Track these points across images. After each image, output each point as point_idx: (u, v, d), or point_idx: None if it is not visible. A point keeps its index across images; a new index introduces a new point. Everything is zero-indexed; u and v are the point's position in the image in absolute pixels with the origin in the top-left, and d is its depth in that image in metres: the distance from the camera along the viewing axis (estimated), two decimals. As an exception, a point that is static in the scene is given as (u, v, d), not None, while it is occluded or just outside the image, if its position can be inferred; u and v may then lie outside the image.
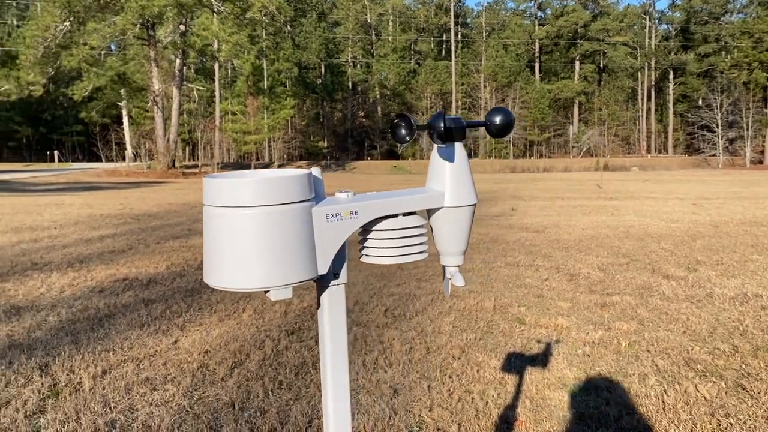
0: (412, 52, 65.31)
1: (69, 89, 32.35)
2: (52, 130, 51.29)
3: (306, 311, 4.29)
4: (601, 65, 63.84)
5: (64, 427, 2.52)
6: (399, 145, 1.04)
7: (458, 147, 0.98)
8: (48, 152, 45.97)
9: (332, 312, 0.95)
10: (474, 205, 1.02)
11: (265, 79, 42.62)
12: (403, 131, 0.94)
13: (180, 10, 30.06)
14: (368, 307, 4.40)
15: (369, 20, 63.35)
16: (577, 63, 63.43)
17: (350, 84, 61.45)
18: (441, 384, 2.97)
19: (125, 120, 42.77)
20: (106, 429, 2.52)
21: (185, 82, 35.79)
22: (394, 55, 60.53)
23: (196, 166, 38.76)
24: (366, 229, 0.97)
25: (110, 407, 2.73)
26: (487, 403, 2.76)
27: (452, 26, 62.55)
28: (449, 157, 0.98)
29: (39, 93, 30.41)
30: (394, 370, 3.16)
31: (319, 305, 0.98)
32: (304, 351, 3.44)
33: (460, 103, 59.64)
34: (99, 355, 3.37)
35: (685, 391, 2.90)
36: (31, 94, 30.30)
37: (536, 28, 64.49)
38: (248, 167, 38.52)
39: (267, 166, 41.00)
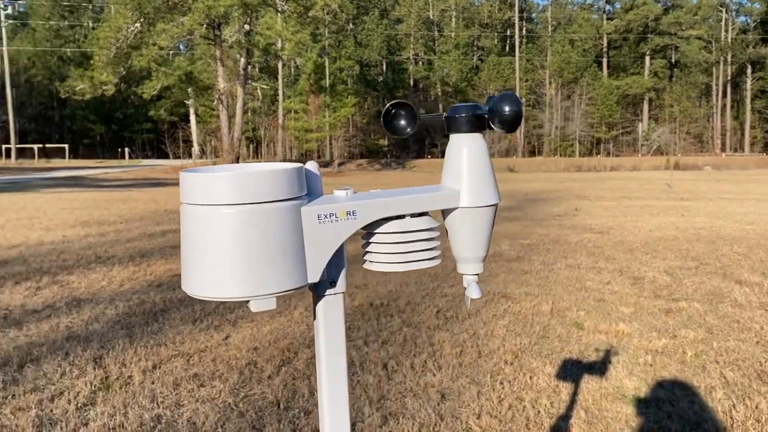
0: (475, 48, 64.59)
1: (139, 88, 33.51)
2: (123, 128, 53.34)
3: (357, 310, 4.24)
4: (673, 60, 61.48)
5: (111, 420, 2.54)
6: (396, 137, 0.91)
7: (477, 138, 0.88)
8: (119, 149, 47.84)
9: (329, 325, 0.86)
10: (495, 205, 0.90)
11: (327, 77, 42.99)
12: (402, 122, 0.84)
13: (245, 10, 30.65)
14: (420, 307, 4.31)
15: (431, 16, 63.03)
16: (647, 58, 61.29)
17: (411, 81, 61.36)
18: (491, 390, 2.86)
19: (192, 118, 44.01)
20: (152, 424, 2.53)
21: (250, 81, 36.48)
22: (456, 51, 60.03)
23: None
24: (369, 231, 0.87)
25: (157, 402, 2.74)
26: (539, 412, 2.63)
27: (517, 21, 61.54)
28: (468, 150, 0.87)
29: (111, 92, 31.62)
30: (443, 373, 3.06)
31: (315, 316, 0.88)
32: (352, 351, 3.38)
33: (524, 99, 58.61)
34: (151, 349, 3.41)
35: (756, 407, 2.69)
36: (104, 93, 31.53)
37: (604, 22, 62.66)
38: (310, 164, 38.93)
39: (328, 164, 41.40)
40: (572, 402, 2.74)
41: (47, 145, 46.14)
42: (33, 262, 5.88)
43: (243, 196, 0.73)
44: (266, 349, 3.43)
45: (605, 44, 62.37)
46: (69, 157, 44.88)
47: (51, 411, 2.62)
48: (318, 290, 0.85)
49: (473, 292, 0.92)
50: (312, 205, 0.79)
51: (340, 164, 41.70)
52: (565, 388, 2.89)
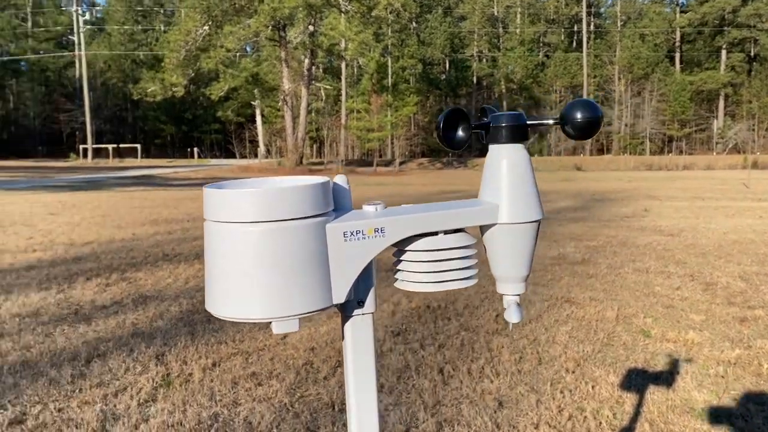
0: (541, 45, 63.40)
1: (207, 90, 34.52)
2: (192, 128, 55.06)
3: (414, 312, 4.20)
4: (752, 54, 58.55)
5: (171, 417, 2.60)
6: (453, 150, 0.85)
7: (519, 150, 0.82)
8: (188, 149, 49.38)
9: (357, 346, 0.81)
10: (538, 221, 0.84)
11: (389, 76, 43.08)
12: (461, 133, 0.79)
13: (309, 11, 31.09)
14: (479, 311, 4.23)
15: (496, 13, 62.25)
16: (723, 52, 58.63)
17: (475, 79, 60.78)
18: (551, 399, 2.77)
19: (258, 118, 44.97)
20: (209, 422, 2.56)
21: (313, 82, 37.00)
22: (521, 48, 59.09)
23: (321, 163, 39.99)
24: (400, 249, 0.82)
25: (215, 400, 2.78)
26: (600, 423, 2.53)
27: (584, 16, 60.04)
28: (508, 162, 0.81)
29: (181, 94, 32.70)
30: (501, 380, 2.99)
31: (343, 336, 0.84)
32: (408, 354, 3.35)
33: (592, 96, 57.13)
34: (211, 347, 3.47)
35: (841, 427, 2.50)
36: (174, 94, 32.65)
37: (677, 15, 60.32)
38: (370, 164, 39.15)
39: (389, 162, 41.48)
40: (636, 414, 2.62)
41: (121, 145, 48.11)
42: (104, 259, 6.11)
43: (263, 214, 0.70)
44: (323, 349, 3.44)
45: (678, 38, 60.03)
46: (141, 157, 46.67)
47: (114, 406, 2.70)
48: (345, 310, 0.81)
49: (512, 316, 0.86)
50: (337, 222, 0.74)
51: (401, 163, 41.71)
52: (629, 399, 2.77)
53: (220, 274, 0.73)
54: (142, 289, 4.85)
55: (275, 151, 38.60)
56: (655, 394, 2.83)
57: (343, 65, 44.29)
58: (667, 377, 3.03)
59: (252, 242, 0.70)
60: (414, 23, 54.55)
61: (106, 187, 18.51)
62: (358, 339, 0.81)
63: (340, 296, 0.75)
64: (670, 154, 46.79)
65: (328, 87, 43.15)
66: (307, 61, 34.24)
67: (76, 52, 48.93)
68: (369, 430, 0.83)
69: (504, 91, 60.26)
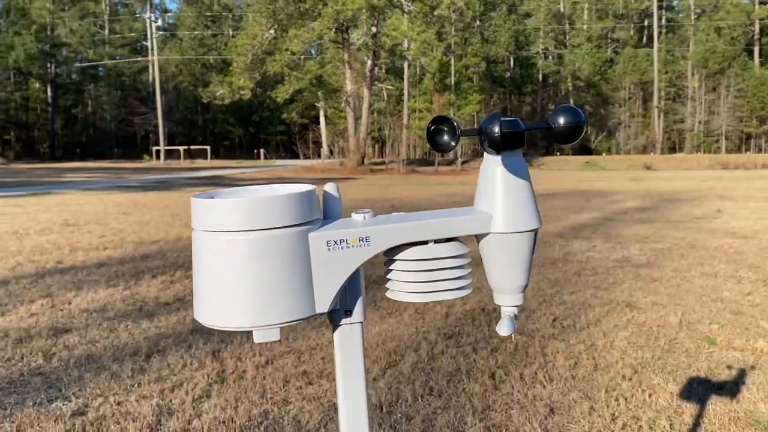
0: (609, 40, 61.68)
1: (273, 92, 35.23)
2: (259, 130, 56.38)
3: (468, 314, 4.16)
4: (839, 45, 55.17)
5: (223, 413, 2.66)
6: (440, 153, 0.83)
7: (515, 157, 0.79)
8: (255, 150, 50.57)
9: (345, 356, 0.80)
10: (535, 230, 0.80)
11: (452, 75, 42.83)
12: (445, 138, 0.77)
13: (372, 12, 31.26)
14: (535, 315, 4.15)
15: (562, 9, 60.96)
16: (806, 44, 55.46)
17: (540, 76, 59.69)
18: (605, 406, 2.68)
19: (322, 120, 45.58)
20: (259, 419, 2.61)
21: (376, 82, 37.18)
22: (588, 45, 57.64)
23: (383, 163, 40.13)
24: (391, 258, 0.80)
25: (267, 398, 2.83)
26: (657, 435, 2.43)
27: (655, 10, 58.04)
28: (503, 169, 0.79)
29: (248, 96, 33.54)
30: (553, 386, 2.92)
31: (334, 345, 0.84)
32: (460, 357, 3.31)
33: (663, 93, 55.17)
34: (266, 345, 3.54)
35: None
36: (241, 97, 33.52)
37: (756, 7, 57.45)
38: (432, 163, 39.02)
39: (451, 162, 41.23)
40: (696, 425, 2.51)
41: (191, 147, 49.74)
42: (170, 257, 6.32)
43: (245, 223, 0.70)
44: (373, 350, 3.45)
45: (757, 31, 57.17)
46: (210, 158, 48.10)
47: (170, 401, 2.79)
48: (333, 320, 0.80)
49: (502, 328, 0.83)
50: (321, 231, 0.74)
51: (463, 162, 41.39)
52: (689, 409, 2.65)
53: (205, 283, 0.74)
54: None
55: (338, 151, 39.05)
56: (717, 404, 2.70)
57: (405, 65, 44.33)
58: (731, 387, 2.89)
59: (234, 251, 0.71)
60: (478, 21, 54.03)
61: (176, 188, 19.16)
62: (347, 348, 0.81)
63: (323, 306, 0.75)
64: (748, 153, 44.61)
65: (390, 87, 43.28)
66: (369, 62, 34.45)
67: (150, 57, 50.92)
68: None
69: (571, 88, 58.96)
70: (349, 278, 0.75)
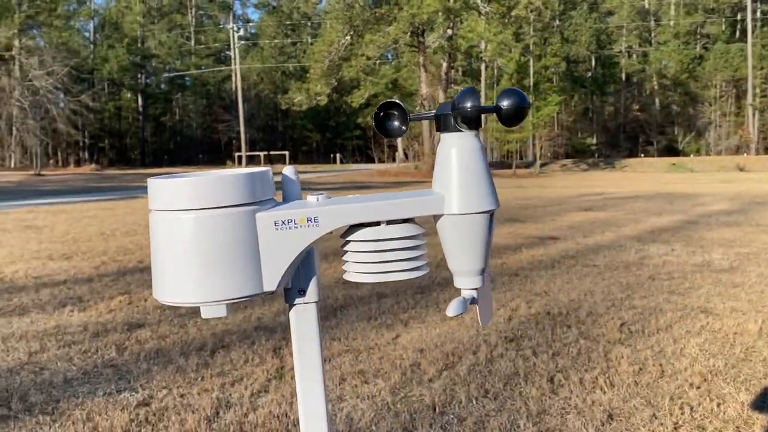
0: (698, 36, 58.91)
1: (349, 98, 35.74)
2: (335, 135, 57.34)
3: (532, 318, 4.07)
4: None
5: (278, 408, 2.72)
6: (390, 138, 0.82)
7: (468, 137, 0.77)
8: (331, 155, 51.43)
9: (300, 336, 0.81)
10: (489, 212, 0.78)
11: (531, 76, 42.10)
12: (396, 123, 0.76)
13: (447, 15, 31.18)
14: (602, 319, 4.01)
15: (647, 5, 58.77)
16: None
17: (623, 75, 57.78)
18: (668, 415, 2.56)
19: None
20: (312, 416, 2.65)
21: (452, 85, 37.03)
22: (675, 41, 55.28)
23: (460, 166, 39.85)
24: (346, 240, 0.80)
25: (322, 395, 2.87)
26: (722, 446, 2.30)
27: (749, 3, 54.91)
28: (457, 150, 0.77)
29: (324, 102, 34.15)
30: (614, 392, 2.82)
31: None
32: (519, 360, 3.25)
33: (758, 90, 52.13)
34: (325, 343, 3.59)
35: None
36: (318, 103, 34.14)
37: None
38: (510, 166, 38.45)
39: (530, 164, 40.49)
40: (768, 439, 2.35)
41: (271, 153, 51.18)
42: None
43: (190, 202, 0.72)
44: (432, 351, 3.43)
45: None
46: (289, 163, 49.29)
47: (230, 395, 2.87)
48: (287, 299, 0.82)
49: (449, 308, 0.81)
50: (269, 211, 0.75)
51: (542, 165, 40.59)
52: (761, 421, 2.49)
53: (158, 261, 0.76)
54: (271, 287, 5.12)
55: (413, 155, 39.16)
56: (793, 417, 2.53)
57: (483, 67, 43.94)
58: (811, 400, 2.70)
59: (181, 229, 0.73)
60: (557, 21, 52.89)
61: (254, 192, 19.73)
62: (302, 328, 0.82)
63: (271, 284, 0.76)
64: None
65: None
66: (444, 64, 34.38)
67: (232, 67, 52.76)
68: (316, 419, 0.83)
69: (656, 87, 56.77)
70: (301, 258, 0.76)
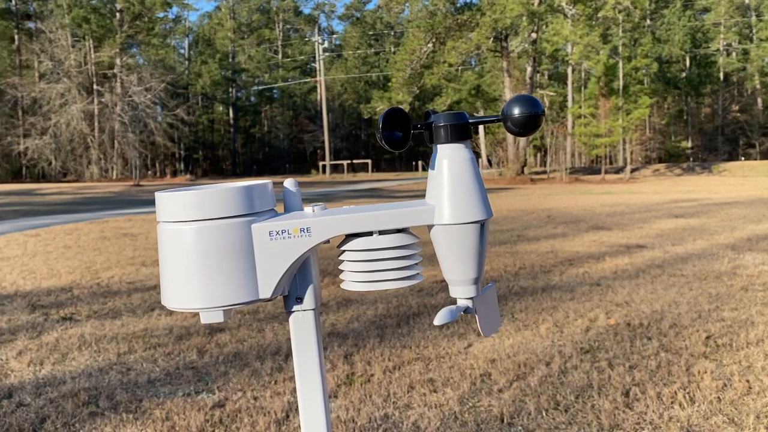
0: (808, 30, 55.08)
1: (431, 105, 35.82)
2: (417, 143, 57.11)
3: (611, 329, 3.93)
4: None
5: (345, 413, 2.76)
6: (393, 152, 0.82)
7: (459, 149, 0.76)
8: (413, 162, 51.62)
9: (299, 343, 0.83)
10: (480, 222, 0.76)
11: (620, 78, 40.75)
12: (398, 134, 0.76)
13: (531, 19, 30.68)
14: (686, 331, 3.83)
15: (747, 1, 55.57)
16: None
17: (721, 75, 54.82)
18: (753, 435, 2.41)
19: (481, 129, 45.40)
20: (379, 422, 2.67)
21: (537, 89, 36.37)
22: (779, 37, 51.89)
23: (544, 172, 39.04)
24: (341, 249, 0.81)
25: (390, 402, 2.89)
26: (813, 471, 2.14)
27: None
28: (449, 161, 0.77)
29: (406, 110, 34.34)
30: (694, 408, 2.68)
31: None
32: (594, 372, 3.15)
33: None
34: (396, 350, 3.61)
35: None
36: (401, 111, 34.37)
37: None
38: (598, 171, 37.25)
39: (620, 170, 39.09)
40: None
41: (354, 161, 51.97)
42: (321, 264, 6.66)
43: (191, 214, 0.76)
44: (503, 361, 3.38)
45: None
46: (372, 171, 49.92)
47: (300, 398, 2.95)
48: (286, 306, 0.84)
49: (437, 317, 0.80)
50: (264, 222, 0.78)
51: (633, 170, 39.09)
52: None
53: (165, 269, 0.80)
54: (348, 293, 5.20)
55: (497, 161, 38.68)
56: None
57: (569, 70, 42.90)
58: None
59: (183, 239, 0.77)
60: (648, 20, 50.93)
61: (337, 200, 20.12)
62: (301, 335, 0.84)
63: (266, 292, 0.79)
64: None
65: (552, 93, 42.10)
66: (529, 68, 33.81)
67: (318, 78, 54.03)
68: (316, 427, 0.84)
69: (758, 86, 53.53)
70: (296, 267, 0.79)
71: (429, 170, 0.85)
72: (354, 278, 0.84)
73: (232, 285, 0.80)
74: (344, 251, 0.85)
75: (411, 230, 0.83)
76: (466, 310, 0.84)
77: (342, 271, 0.86)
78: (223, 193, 0.80)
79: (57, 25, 46.20)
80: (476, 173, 0.81)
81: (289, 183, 0.87)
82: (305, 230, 0.80)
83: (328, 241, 0.82)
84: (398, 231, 0.82)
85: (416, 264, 0.84)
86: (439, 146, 0.83)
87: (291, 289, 0.84)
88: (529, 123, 0.78)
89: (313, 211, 0.83)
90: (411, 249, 0.82)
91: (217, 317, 0.82)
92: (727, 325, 3.93)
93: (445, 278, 0.86)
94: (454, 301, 0.90)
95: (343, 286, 0.86)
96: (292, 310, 0.86)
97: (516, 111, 0.78)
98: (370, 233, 0.83)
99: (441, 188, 0.82)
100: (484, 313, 0.86)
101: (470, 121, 0.80)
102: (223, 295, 0.80)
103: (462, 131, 0.81)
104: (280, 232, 0.81)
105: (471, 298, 0.85)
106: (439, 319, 0.81)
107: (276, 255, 0.81)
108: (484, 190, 0.81)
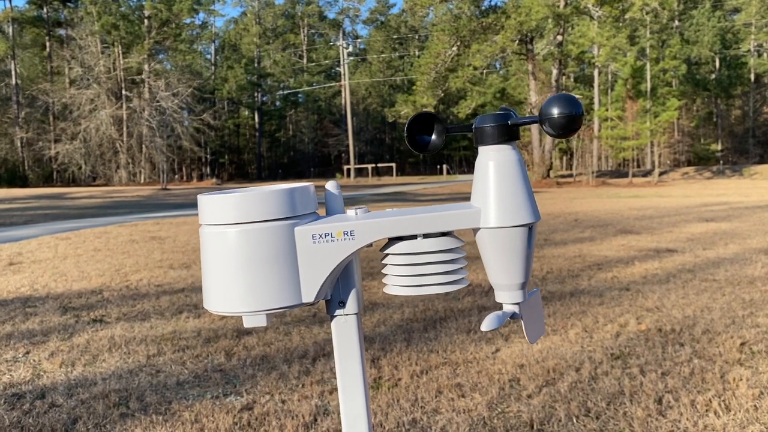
0: (839, 31, 53.86)
1: (455, 108, 35.71)
2: (443, 146, 57.35)
3: (642, 335, 3.87)
4: None
5: (374, 418, 2.75)
6: (425, 153, 0.81)
7: (506, 150, 0.74)
8: (438, 166, 51.53)
9: (341, 347, 0.81)
10: (528, 225, 0.74)
11: (648, 80, 40.24)
12: (428, 136, 0.74)
13: (557, 21, 30.45)
14: (720, 337, 3.75)
15: (778, 0, 54.46)
16: None
17: (752, 76, 53.84)
18: (792, 445, 2.34)
19: (506, 133, 45.10)
20: (407, 427, 2.66)
21: (563, 92, 36.07)
22: (812, 37, 50.84)
23: (570, 175, 38.66)
24: (385, 253, 0.80)
25: (418, 406, 2.87)
26: None
27: None
28: (495, 163, 0.75)
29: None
30: (730, 416, 2.62)
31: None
32: (625, 379, 3.10)
33: None
34: (423, 355, 3.59)
35: None
36: (425, 115, 34.36)
37: None
38: (625, 175, 36.79)
39: (647, 173, 38.57)
40: None
41: (379, 165, 52.02)
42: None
43: (235, 216, 0.75)
44: (532, 366, 3.34)
45: None
46: (396, 175, 49.90)
47: (328, 402, 2.94)
48: (328, 310, 0.83)
49: (484, 322, 0.78)
50: (307, 225, 0.77)
51: (661, 173, 38.55)
52: None
53: (207, 273, 0.80)
54: (373, 297, 5.19)
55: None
56: None
57: (596, 72, 42.47)
58: None
59: (226, 242, 0.76)
60: (676, 21, 50.23)
61: (362, 203, 20.14)
62: (343, 339, 0.82)
63: (309, 296, 0.78)
64: None
65: (578, 96, 41.71)
66: (555, 71, 33.55)
67: (342, 82, 54.28)
68: (359, 431, 0.83)
69: (791, 87, 52.45)
70: (339, 270, 0.78)
71: (474, 172, 0.84)
72: (398, 282, 0.82)
73: (275, 289, 0.79)
74: (387, 255, 0.84)
75: (456, 234, 0.82)
76: (513, 315, 0.82)
77: (385, 275, 0.85)
78: (266, 196, 0.79)
79: (87, 32, 47.08)
80: (524, 175, 0.79)
81: (331, 185, 0.87)
82: (349, 233, 0.79)
83: (371, 245, 0.81)
84: (443, 234, 0.81)
85: (461, 268, 0.82)
86: (484, 148, 0.81)
87: (333, 293, 0.83)
88: (569, 124, 0.75)
89: (356, 214, 0.83)
90: (456, 253, 0.81)
91: (260, 321, 0.82)
92: (762, 331, 3.84)
93: (491, 282, 0.84)
94: (499, 306, 0.88)
95: (386, 290, 0.85)
96: (335, 314, 0.85)
97: (555, 111, 0.75)
98: (414, 236, 0.82)
99: (487, 190, 0.79)
100: (529, 318, 0.84)
101: (509, 122, 0.78)
102: (266, 298, 0.80)
103: (509, 132, 0.79)
104: (323, 236, 0.80)
105: (518, 304, 0.83)
106: (486, 324, 0.80)
107: (319, 258, 0.80)
108: (531, 192, 0.79)
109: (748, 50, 53.93)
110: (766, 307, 4.43)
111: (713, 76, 53.23)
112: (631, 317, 4.26)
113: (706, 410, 2.69)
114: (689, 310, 4.44)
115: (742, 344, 3.59)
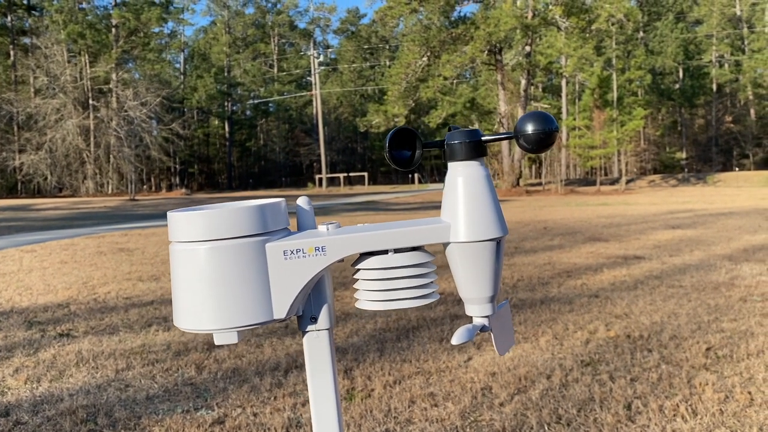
0: (796, 42, 55.54)
1: (426, 118, 35.93)
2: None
3: (611, 342, 3.92)
4: None
5: (347, 429, 2.74)
6: (403, 169, 0.82)
7: (473, 166, 0.75)
8: (410, 175, 51.70)
9: (314, 362, 0.81)
10: (496, 239, 0.76)
11: (614, 90, 40.99)
12: (407, 152, 0.76)
13: (525, 32, 30.88)
14: (686, 343, 3.82)
15: (738, 12, 56.09)
16: None
17: (714, 86, 55.22)
18: (756, 448, 2.40)
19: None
20: (380, 438, 2.65)
21: (531, 101, 36.54)
22: (771, 48, 52.33)
23: (540, 184, 39.13)
24: (357, 269, 0.80)
25: (390, 417, 2.87)
26: (818, 483, 2.13)
27: None
28: (463, 179, 0.76)
29: (401, 123, 34.45)
30: (697, 421, 2.67)
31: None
32: (595, 385, 3.14)
33: None
34: (396, 364, 3.59)
35: None
36: (396, 125, 34.49)
37: None
38: (594, 183, 37.37)
39: (615, 181, 39.22)
40: None
41: (351, 174, 52.04)
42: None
43: (202, 234, 0.75)
44: (504, 374, 3.37)
45: None
46: (368, 184, 49.95)
47: (300, 415, 2.92)
48: (300, 326, 0.83)
49: (454, 336, 0.79)
50: (278, 241, 0.77)
51: (628, 181, 39.22)
52: None
53: (177, 290, 0.79)
54: (346, 307, 5.18)
55: (492, 173, 38.80)
56: None
57: (563, 83, 43.14)
58: None
59: (196, 259, 0.76)
60: (641, 33, 51.35)
61: (333, 213, 20.10)
62: (315, 355, 0.83)
63: (281, 312, 0.78)
64: None
65: (546, 106, 42.31)
66: (523, 81, 33.99)
67: (313, 92, 54.23)
68: None
69: (751, 97, 53.89)
70: (311, 286, 0.78)
71: (444, 188, 0.85)
72: (369, 297, 0.83)
73: (246, 306, 0.79)
74: (359, 270, 0.84)
75: (426, 248, 0.83)
76: (483, 328, 0.83)
77: (356, 290, 0.85)
78: (236, 213, 0.78)
79: (53, 40, 46.27)
80: (491, 190, 0.80)
81: (302, 201, 0.86)
82: (320, 249, 0.79)
83: (342, 260, 0.81)
84: (413, 249, 0.81)
85: (432, 282, 0.83)
86: (453, 163, 0.82)
87: (305, 309, 0.83)
88: (543, 140, 0.77)
89: (328, 229, 0.83)
90: (426, 267, 0.81)
91: (231, 338, 0.81)
92: (726, 336, 3.93)
93: (461, 296, 0.85)
94: (470, 320, 0.90)
95: (357, 305, 0.85)
96: (307, 330, 0.85)
97: (529, 128, 0.77)
98: (385, 251, 0.82)
99: (456, 206, 0.80)
100: (499, 331, 0.85)
101: (483, 138, 0.80)
102: (237, 316, 0.79)
103: (476, 149, 0.80)
104: (294, 252, 0.79)
105: (487, 317, 0.84)
106: (456, 338, 0.80)
107: (291, 274, 0.79)
108: (499, 207, 0.80)
109: (710, 61, 55.35)
110: (730, 313, 4.54)
111: (677, 86, 54.49)
112: (600, 324, 4.32)
113: (674, 415, 2.74)
114: (657, 316, 4.52)
115: (708, 349, 3.67)
